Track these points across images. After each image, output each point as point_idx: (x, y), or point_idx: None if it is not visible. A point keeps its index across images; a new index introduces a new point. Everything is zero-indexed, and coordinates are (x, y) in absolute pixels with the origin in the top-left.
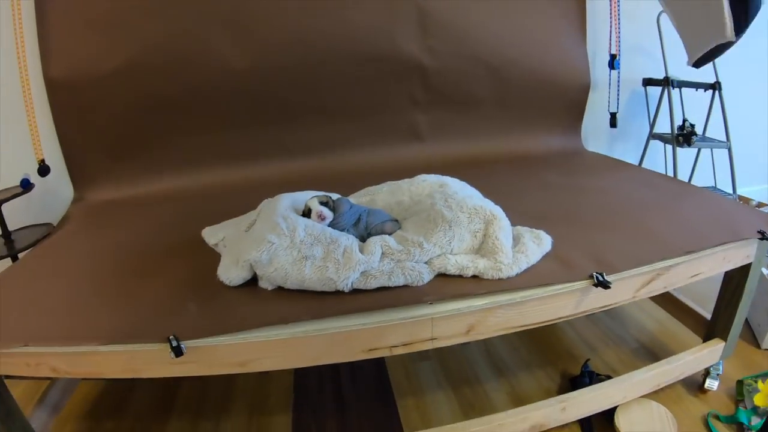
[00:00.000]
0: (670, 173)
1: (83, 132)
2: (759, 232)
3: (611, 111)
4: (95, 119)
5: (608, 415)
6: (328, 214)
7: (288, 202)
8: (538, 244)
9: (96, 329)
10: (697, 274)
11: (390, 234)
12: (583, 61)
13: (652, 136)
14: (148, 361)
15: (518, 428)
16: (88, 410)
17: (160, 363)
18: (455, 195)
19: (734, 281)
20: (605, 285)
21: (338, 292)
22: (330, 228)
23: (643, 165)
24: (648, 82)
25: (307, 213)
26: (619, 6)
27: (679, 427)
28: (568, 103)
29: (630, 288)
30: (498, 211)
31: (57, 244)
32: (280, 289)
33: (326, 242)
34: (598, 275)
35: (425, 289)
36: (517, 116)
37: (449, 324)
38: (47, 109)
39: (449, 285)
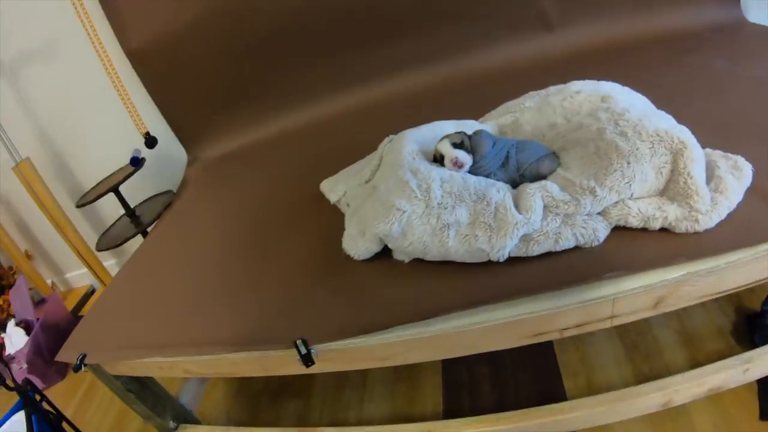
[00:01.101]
0: None
1: (180, 93)
2: None
3: None
4: (187, 78)
5: None
6: (466, 158)
7: (413, 145)
8: (738, 178)
9: (223, 332)
10: None
11: (548, 174)
12: None
13: None
14: (280, 362)
15: (694, 392)
16: None
17: (292, 363)
18: (626, 114)
19: None
20: None
21: (491, 262)
22: (473, 177)
23: None
24: None
25: (439, 159)
26: None
27: None
28: None
29: None
30: (686, 135)
31: (177, 219)
32: (418, 261)
33: (471, 200)
34: None
35: (601, 252)
36: None
37: (634, 300)
38: (137, 83)
39: (632, 245)
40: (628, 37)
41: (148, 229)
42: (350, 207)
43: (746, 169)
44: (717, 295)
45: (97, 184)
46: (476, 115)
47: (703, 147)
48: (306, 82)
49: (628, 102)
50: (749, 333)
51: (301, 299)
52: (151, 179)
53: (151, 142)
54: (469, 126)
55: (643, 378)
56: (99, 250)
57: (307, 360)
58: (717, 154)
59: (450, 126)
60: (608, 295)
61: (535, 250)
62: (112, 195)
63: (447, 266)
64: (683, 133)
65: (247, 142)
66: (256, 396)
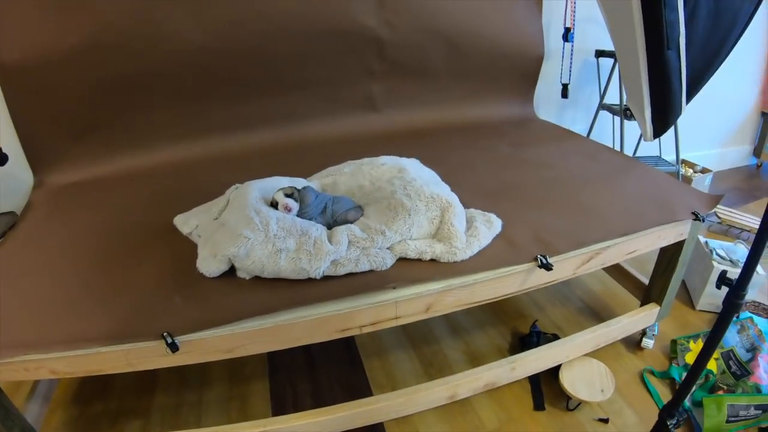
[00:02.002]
0: (618, 143)
1: (39, 115)
2: (693, 213)
3: (563, 82)
4: (51, 102)
5: (554, 371)
6: (294, 205)
7: (257, 193)
8: (489, 228)
9: (92, 330)
10: (633, 252)
11: (354, 221)
12: (538, 33)
13: (602, 106)
14: (144, 355)
15: (473, 386)
16: (74, 396)
17: (155, 356)
18: (413, 182)
19: (669, 254)
20: (548, 267)
21: (311, 279)
22: (300, 219)
23: (593, 134)
24: (600, 53)
25: (275, 205)
26: None
27: (617, 382)
28: (522, 73)
29: (570, 267)
30: (453, 198)
31: (26, 235)
32: (257, 278)
33: (297, 234)
34: (542, 258)
35: (389, 274)
36: (471, 86)
37: (411, 305)
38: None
39: (410, 269)
40: (438, 123)
41: None
42: (202, 237)
43: (496, 223)
44: (472, 305)
45: None
46: (306, 174)
47: (468, 207)
48: (163, 126)
49: (417, 174)
50: (522, 350)
51: (162, 304)
52: None
53: (2, 158)
54: (299, 182)
55: None
56: None
57: (174, 347)
58: (477, 212)
59: (285, 181)
60: (391, 299)
61: (341, 270)
62: None
63: (278, 281)
64: (450, 197)
65: (97, 174)
66: (95, 421)
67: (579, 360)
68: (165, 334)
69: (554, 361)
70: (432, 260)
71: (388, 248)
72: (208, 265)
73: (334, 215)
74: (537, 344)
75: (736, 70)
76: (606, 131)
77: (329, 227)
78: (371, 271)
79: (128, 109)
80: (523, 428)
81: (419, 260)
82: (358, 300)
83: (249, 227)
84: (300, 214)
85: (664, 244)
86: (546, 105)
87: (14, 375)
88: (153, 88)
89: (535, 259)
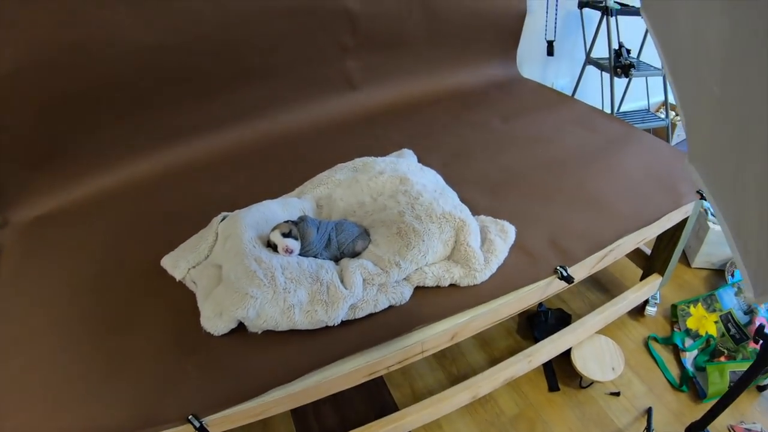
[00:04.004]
0: (606, 99)
1: None
2: (698, 192)
3: (548, 39)
4: None
5: (565, 351)
6: (295, 246)
7: (250, 232)
8: (504, 239)
9: (111, 420)
10: (642, 240)
11: (362, 251)
12: None
13: (588, 61)
14: None
15: (493, 384)
16: None
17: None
18: (420, 198)
19: (672, 229)
20: (569, 280)
21: (328, 326)
22: (305, 259)
23: (579, 90)
24: (584, 4)
25: (273, 246)
26: None
27: (624, 353)
28: (504, 31)
29: (586, 269)
30: (465, 213)
31: (3, 296)
32: (270, 331)
33: (308, 282)
34: (561, 270)
35: (409, 308)
36: (452, 51)
37: (436, 339)
38: None
39: (430, 299)
40: (421, 94)
41: None
42: (198, 286)
43: (510, 231)
44: (495, 323)
45: None
46: (290, 180)
47: (477, 209)
48: (122, 140)
49: (421, 185)
50: (530, 329)
51: (173, 376)
52: None
53: None
54: (292, 205)
55: (453, 378)
56: None
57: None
58: (488, 220)
59: (276, 206)
60: (417, 341)
61: (360, 314)
62: None
63: (294, 333)
64: (463, 213)
65: (64, 204)
66: None
67: (588, 339)
68: (191, 417)
69: (566, 345)
70: (451, 285)
71: (404, 279)
72: (215, 324)
73: (340, 247)
74: (546, 322)
75: None
76: (593, 86)
77: (336, 260)
78: (390, 307)
79: (82, 127)
80: (541, 410)
81: (438, 287)
82: (386, 348)
83: (253, 284)
84: (303, 252)
85: (671, 225)
86: (529, 62)
87: None
88: (109, 100)
89: (555, 271)
